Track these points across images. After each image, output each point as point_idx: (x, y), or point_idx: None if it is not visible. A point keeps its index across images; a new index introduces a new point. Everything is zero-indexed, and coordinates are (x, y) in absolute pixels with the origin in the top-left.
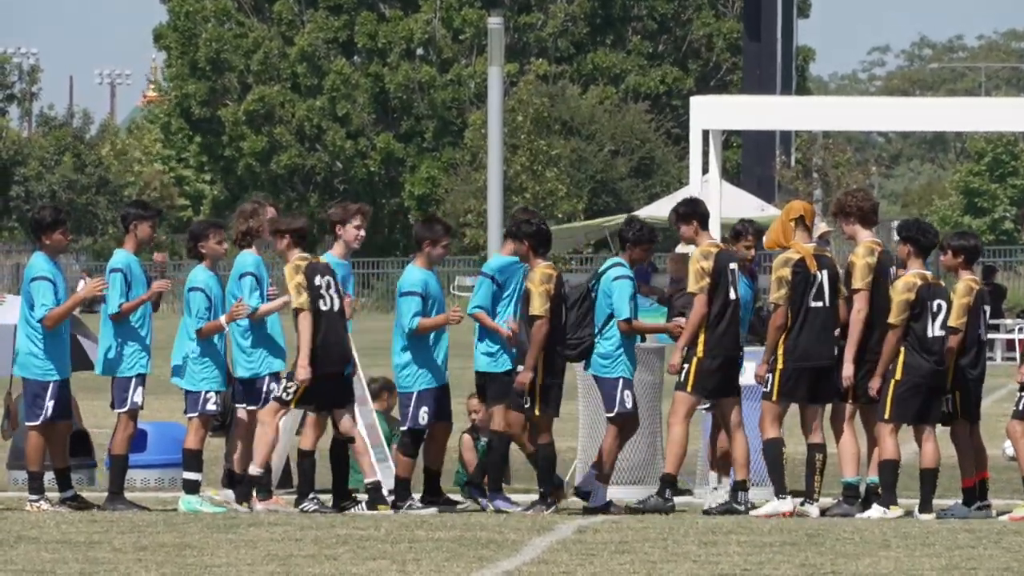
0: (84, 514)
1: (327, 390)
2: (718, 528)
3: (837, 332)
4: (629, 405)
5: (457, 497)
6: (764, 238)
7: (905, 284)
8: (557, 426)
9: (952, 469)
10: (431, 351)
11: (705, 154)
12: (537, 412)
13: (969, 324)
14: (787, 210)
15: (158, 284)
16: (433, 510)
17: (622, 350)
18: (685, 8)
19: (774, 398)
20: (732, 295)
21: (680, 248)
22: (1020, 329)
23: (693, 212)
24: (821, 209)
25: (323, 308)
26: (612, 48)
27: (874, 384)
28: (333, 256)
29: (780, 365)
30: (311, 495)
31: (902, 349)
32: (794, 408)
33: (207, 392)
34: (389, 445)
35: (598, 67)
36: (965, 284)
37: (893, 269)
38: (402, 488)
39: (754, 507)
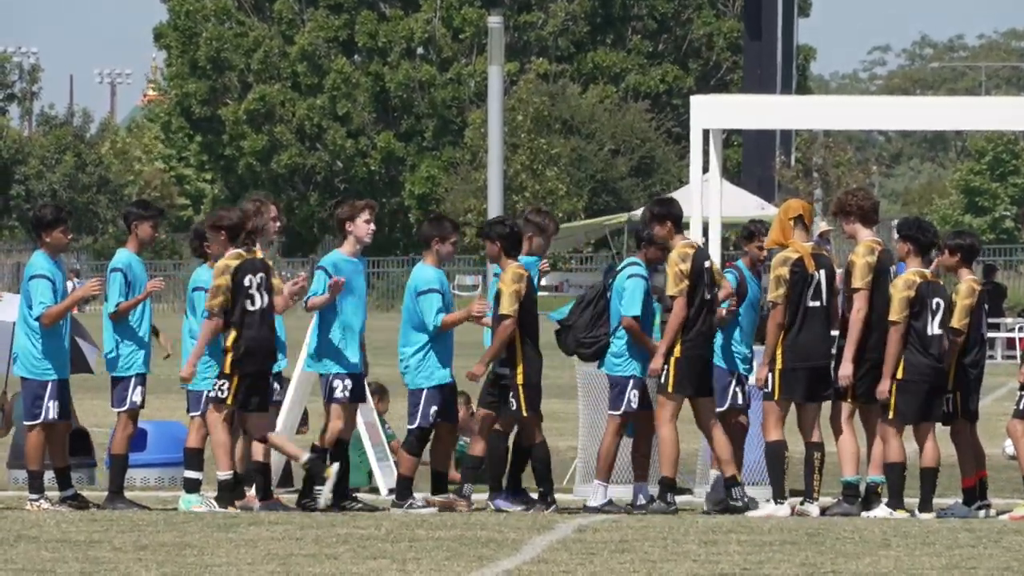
0: (84, 513)
1: (257, 389)
2: (718, 527)
3: (836, 332)
4: (635, 405)
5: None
6: (765, 237)
7: (905, 282)
8: (557, 426)
9: (952, 468)
10: (442, 349)
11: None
12: (525, 413)
13: (971, 324)
14: (785, 209)
15: (152, 283)
16: (433, 509)
17: (635, 349)
18: (685, 7)
19: (776, 398)
20: (708, 295)
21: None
22: (1020, 328)
23: (668, 213)
24: (821, 208)
25: (249, 308)
26: (612, 47)
27: (883, 387)
28: (342, 254)
29: (779, 365)
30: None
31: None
32: (792, 408)
33: (209, 391)
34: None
35: (598, 66)
36: (967, 285)
37: (893, 268)
38: (404, 487)
39: (753, 502)
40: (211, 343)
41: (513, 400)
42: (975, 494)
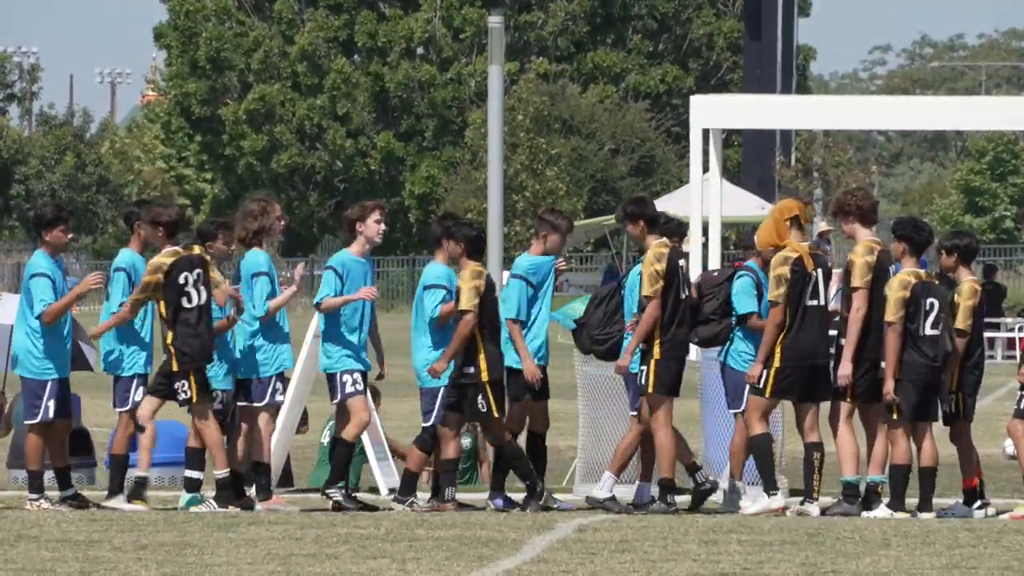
0: (84, 513)
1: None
2: (718, 527)
3: (835, 332)
4: None
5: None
6: (756, 237)
7: (900, 282)
8: (557, 425)
9: (952, 468)
10: None
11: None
12: (496, 414)
13: (973, 325)
14: (781, 209)
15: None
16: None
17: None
18: (685, 7)
19: (767, 394)
20: (683, 294)
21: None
22: (1020, 328)
23: (641, 213)
24: (821, 208)
25: (186, 305)
26: (612, 47)
27: (888, 389)
28: (351, 254)
29: (777, 363)
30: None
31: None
32: (790, 408)
33: (211, 391)
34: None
35: (598, 66)
36: (970, 286)
37: (892, 268)
38: (409, 483)
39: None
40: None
41: (482, 402)
42: (976, 494)
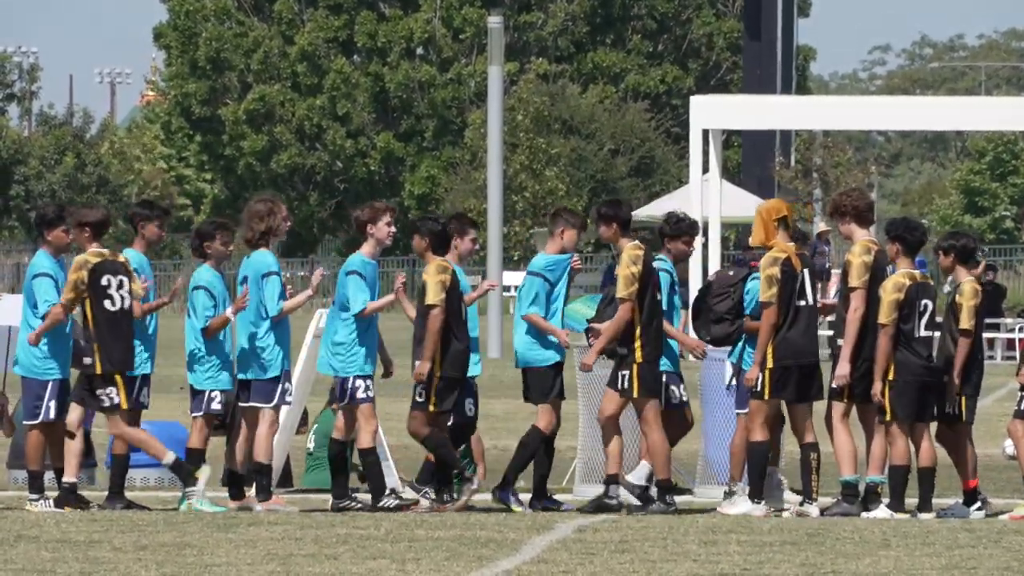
0: (84, 513)
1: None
2: (718, 527)
3: (833, 332)
4: (676, 400)
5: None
6: (751, 238)
7: (894, 284)
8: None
9: (952, 468)
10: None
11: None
12: (432, 408)
13: (976, 325)
14: (768, 210)
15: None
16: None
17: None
18: (685, 7)
19: (766, 396)
20: (659, 296)
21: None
22: (1020, 329)
23: (615, 215)
24: (821, 209)
25: (109, 308)
26: (612, 47)
27: (876, 389)
28: (365, 256)
29: (770, 364)
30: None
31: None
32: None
33: (212, 391)
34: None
35: (598, 66)
36: (971, 287)
37: (890, 268)
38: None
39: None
40: (207, 343)
41: (422, 391)
42: (976, 495)
